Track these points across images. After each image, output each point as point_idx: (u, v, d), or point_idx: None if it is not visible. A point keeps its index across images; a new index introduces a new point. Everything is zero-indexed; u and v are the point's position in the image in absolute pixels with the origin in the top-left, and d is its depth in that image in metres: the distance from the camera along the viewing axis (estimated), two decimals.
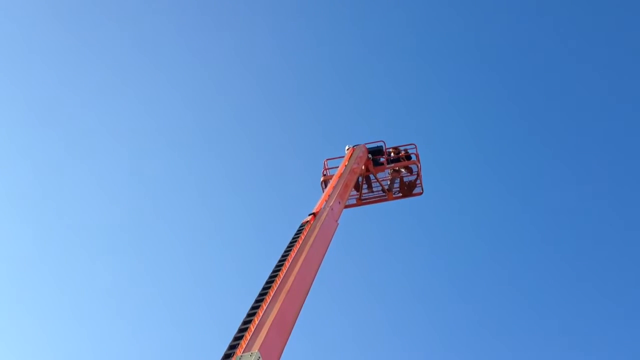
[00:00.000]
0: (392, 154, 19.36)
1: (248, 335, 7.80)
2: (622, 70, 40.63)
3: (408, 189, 19.42)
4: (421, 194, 19.49)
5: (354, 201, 19.02)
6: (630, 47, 40.55)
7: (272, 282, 9.03)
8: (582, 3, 41.83)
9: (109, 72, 41.25)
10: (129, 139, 41.84)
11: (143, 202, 41.18)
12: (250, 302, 8.70)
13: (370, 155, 18.57)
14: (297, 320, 8.85)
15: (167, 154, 41.85)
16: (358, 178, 17.76)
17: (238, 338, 7.81)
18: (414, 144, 19.46)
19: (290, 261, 9.66)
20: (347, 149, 18.04)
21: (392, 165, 18.99)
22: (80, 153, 40.58)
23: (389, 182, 19.32)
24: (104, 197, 40.39)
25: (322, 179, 18.64)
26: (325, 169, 18.89)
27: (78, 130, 40.88)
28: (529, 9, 42.31)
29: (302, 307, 9.12)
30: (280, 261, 9.72)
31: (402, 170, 19.26)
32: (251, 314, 8.27)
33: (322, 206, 12.38)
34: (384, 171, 19.05)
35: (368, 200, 19.40)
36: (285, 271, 9.35)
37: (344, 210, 14.73)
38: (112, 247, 40.12)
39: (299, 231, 10.95)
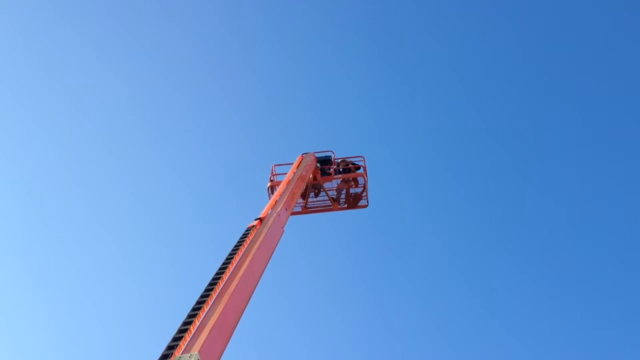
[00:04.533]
0: (340, 165, 19.51)
1: (187, 337, 7.71)
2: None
3: (354, 201, 19.60)
4: (366, 206, 19.69)
5: (300, 209, 19.07)
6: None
7: (215, 284, 8.95)
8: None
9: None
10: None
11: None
12: (191, 303, 8.61)
13: (318, 165, 18.68)
14: (238, 325, 8.80)
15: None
16: (305, 186, 17.80)
17: (177, 339, 7.70)
18: (362, 157, 19.65)
19: (235, 264, 9.61)
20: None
21: (340, 175, 19.13)
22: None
23: (335, 193, 19.47)
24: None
25: (269, 184, 18.62)
26: (273, 175, 18.88)
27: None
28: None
29: (244, 311, 9.07)
30: (224, 264, 9.64)
31: (349, 181, 19.42)
32: (192, 315, 8.17)
33: (269, 212, 12.35)
34: (331, 181, 19.17)
35: (314, 209, 19.48)
36: (229, 274, 9.29)
37: (289, 217, 14.74)
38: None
39: (245, 235, 10.89)
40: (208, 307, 8.38)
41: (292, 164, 17.52)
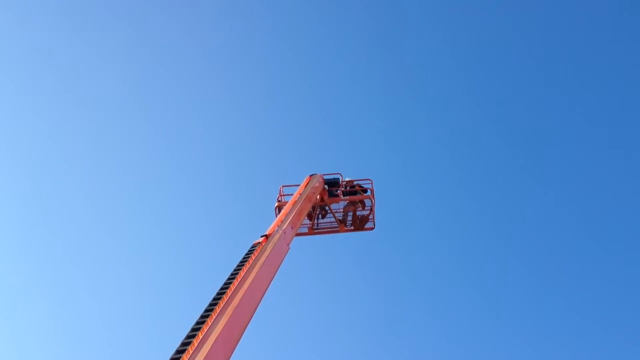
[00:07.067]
0: (347, 187, 19.53)
1: (191, 349, 7.71)
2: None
3: (360, 223, 19.57)
4: (373, 229, 19.66)
5: (306, 230, 19.05)
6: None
7: (219, 298, 8.99)
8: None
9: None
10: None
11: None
12: (197, 316, 8.62)
13: (326, 186, 18.71)
14: (240, 339, 8.79)
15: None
16: (312, 207, 17.82)
17: (180, 352, 7.71)
18: (370, 179, 19.69)
19: (240, 279, 9.62)
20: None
21: (347, 197, 19.14)
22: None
23: (342, 214, 19.46)
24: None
25: (276, 204, 18.62)
26: (281, 195, 18.89)
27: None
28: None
29: (247, 326, 9.07)
30: (229, 279, 9.67)
31: (357, 203, 19.41)
32: (196, 329, 8.20)
33: (275, 229, 12.36)
34: (338, 203, 19.18)
35: (320, 230, 19.47)
36: (233, 288, 9.30)
37: (295, 237, 14.72)
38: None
39: (250, 251, 10.92)
40: (212, 321, 8.39)
41: (299, 184, 17.55)
